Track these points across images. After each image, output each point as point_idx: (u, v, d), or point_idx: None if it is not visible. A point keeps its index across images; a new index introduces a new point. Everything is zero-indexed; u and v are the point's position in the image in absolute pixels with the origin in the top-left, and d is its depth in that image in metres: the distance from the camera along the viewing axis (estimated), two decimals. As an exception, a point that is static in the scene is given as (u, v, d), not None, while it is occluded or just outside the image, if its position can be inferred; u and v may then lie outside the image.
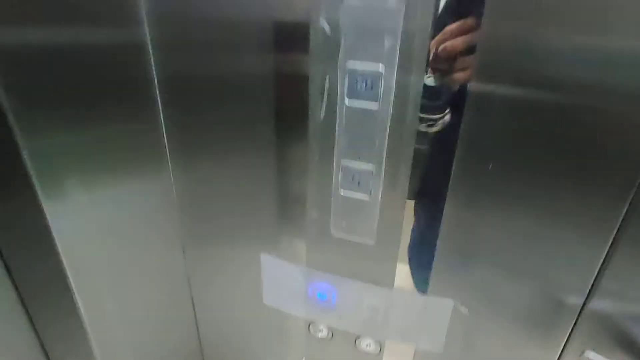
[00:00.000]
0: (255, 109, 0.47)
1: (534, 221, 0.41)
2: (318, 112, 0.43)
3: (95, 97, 0.45)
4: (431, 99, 0.40)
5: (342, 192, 0.46)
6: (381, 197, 0.45)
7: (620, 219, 0.38)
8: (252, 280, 0.58)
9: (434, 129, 0.42)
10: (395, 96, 0.39)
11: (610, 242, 0.39)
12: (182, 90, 0.48)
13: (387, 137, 0.41)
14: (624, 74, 0.33)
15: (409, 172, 0.43)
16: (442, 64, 0.38)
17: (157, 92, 0.48)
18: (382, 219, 0.46)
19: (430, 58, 0.38)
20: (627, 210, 0.37)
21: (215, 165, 0.53)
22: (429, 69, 0.38)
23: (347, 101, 0.41)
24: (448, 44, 0.37)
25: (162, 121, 0.50)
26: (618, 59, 0.33)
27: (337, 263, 0.51)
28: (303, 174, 0.47)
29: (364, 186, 0.45)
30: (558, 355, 0.46)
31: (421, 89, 0.38)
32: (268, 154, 0.49)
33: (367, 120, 0.41)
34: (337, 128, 0.43)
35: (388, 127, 0.41)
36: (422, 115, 0.40)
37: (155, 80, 0.47)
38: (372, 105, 0.40)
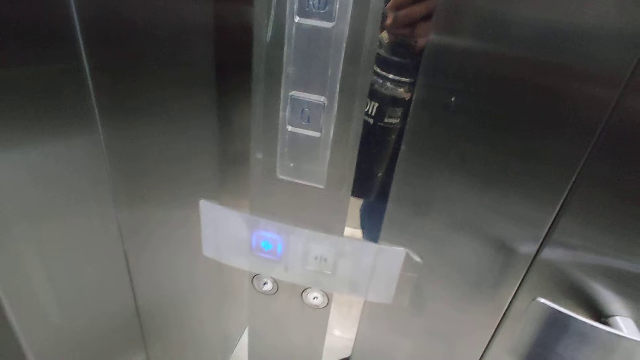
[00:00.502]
0: (192, 33, 0.41)
1: (489, 171, 0.39)
2: (263, 33, 0.37)
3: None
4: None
5: (289, 128, 0.41)
6: (333, 135, 0.40)
7: (577, 170, 0.36)
8: (191, 233, 0.53)
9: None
10: (352, 13, 0.34)
11: (566, 192, 0.37)
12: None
13: (341, 63, 0.36)
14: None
15: (365, 106, 0.39)
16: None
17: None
18: (333, 160, 0.42)
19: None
20: (584, 162, 0.36)
21: (146, 102, 0.46)
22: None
23: (297, 19, 0.36)
24: None
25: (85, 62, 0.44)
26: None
27: (283, 209, 0.47)
28: (246, 107, 0.42)
29: (314, 122, 0.40)
30: (508, 303, 0.45)
31: (382, 4, 0.34)
32: (206, 86, 0.43)
33: (320, 42, 0.36)
34: (285, 51, 0.37)
35: (343, 51, 0.36)
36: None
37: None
38: (325, 24, 0.35)
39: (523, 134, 0.36)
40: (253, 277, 0.54)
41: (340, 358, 0.59)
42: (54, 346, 0.59)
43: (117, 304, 0.64)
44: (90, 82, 0.46)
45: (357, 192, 0.44)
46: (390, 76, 0.45)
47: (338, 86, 0.38)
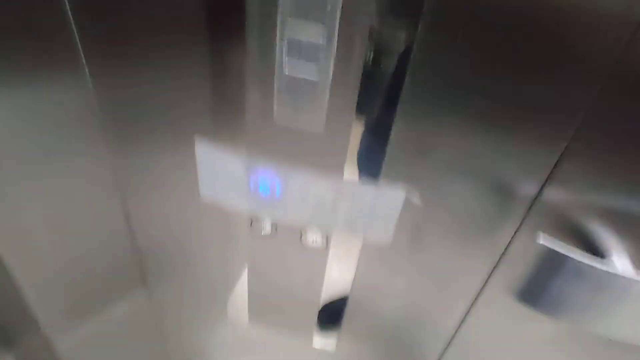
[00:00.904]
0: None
1: (491, 113, 0.37)
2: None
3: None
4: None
5: (287, 71, 0.39)
6: (332, 78, 0.39)
7: (580, 117, 0.35)
8: (188, 174, 0.52)
9: None
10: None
11: (569, 134, 0.36)
12: None
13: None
14: None
15: (365, 48, 0.37)
16: None
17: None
18: (332, 104, 0.40)
19: None
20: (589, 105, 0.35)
21: (139, 43, 0.43)
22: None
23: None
24: None
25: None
26: None
27: (281, 153, 0.46)
28: (241, 51, 0.40)
29: (311, 65, 0.38)
30: (507, 243, 0.45)
31: None
32: (200, 26, 0.40)
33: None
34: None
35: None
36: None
37: None
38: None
39: (527, 75, 0.35)
40: (252, 221, 0.54)
41: (339, 297, 0.60)
42: (53, 287, 0.60)
43: (116, 245, 0.65)
44: (73, 24, 0.43)
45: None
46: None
47: (337, 23, 0.35)
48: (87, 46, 0.44)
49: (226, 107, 0.46)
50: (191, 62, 0.43)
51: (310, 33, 0.37)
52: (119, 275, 0.68)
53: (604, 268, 0.37)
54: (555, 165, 0.39)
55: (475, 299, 0.51)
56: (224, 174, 0.50)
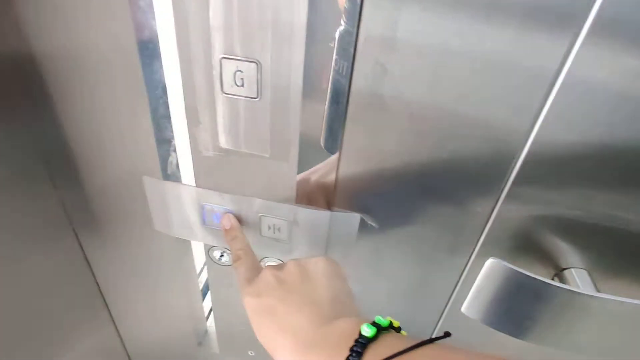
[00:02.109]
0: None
1: (439, 131, 0.36)
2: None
3: None
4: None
5: (224, 94, 0.38)
6: (271, 99, 0.37)
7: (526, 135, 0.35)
8: (141, 209, 0.50)
9: None
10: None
11: (520, 150, 0.36)
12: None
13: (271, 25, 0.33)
14: None
15: (302, 65, 0.35)
16: None
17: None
18: (274, 124, 0.39)
19: None
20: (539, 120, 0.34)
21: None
22: None
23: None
24: None
25: None
26: None
27: (230, 180, 0.44)
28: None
29: (249, 85, 0.37)
30: (466, 262, 0.44)
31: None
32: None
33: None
34: (210, 10, 0.33)
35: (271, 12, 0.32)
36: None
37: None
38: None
39: (470, 90, 0.34)
40: (209, 249, 0.53)
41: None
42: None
43: (78, 289, 0.63)
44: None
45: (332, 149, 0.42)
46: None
47: (270, 46, 0.34)
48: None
49: (167, 141, 0.45)
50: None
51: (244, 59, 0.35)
52: (84, 312, 0.66)
53: (559, 285, 0.36)
54: (507, 180, 0.38)
55: (439, 318, 0.50)
56: (174, 206, 0.48)
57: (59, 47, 0.39)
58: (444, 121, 0.36)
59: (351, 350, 0.27)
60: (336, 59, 0.36)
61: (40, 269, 0.55)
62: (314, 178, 0.43)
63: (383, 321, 0.29)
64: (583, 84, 0.31)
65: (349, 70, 0.35)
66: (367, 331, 0.28)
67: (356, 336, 0.28)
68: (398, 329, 0.30)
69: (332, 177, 0.42)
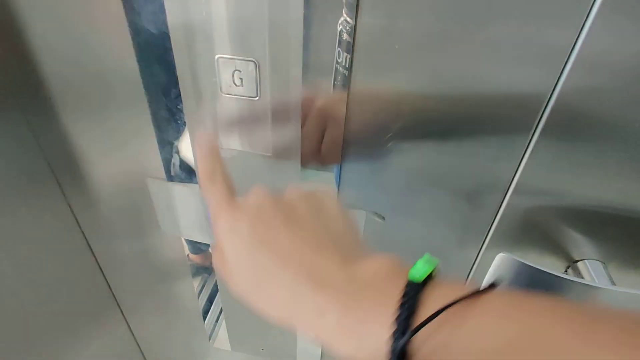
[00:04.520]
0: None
1: (445, 122, 0.35)
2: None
3: None
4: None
5: (223, 93, 0.37)
6: (271, 97, 0.37)
7: (536, 121, 0.33)
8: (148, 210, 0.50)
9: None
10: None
11: (529, 138, 0.34)
12: None
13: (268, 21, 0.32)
14: None
15: (300, 63, 0.35)
16: None
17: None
18: (276, 124, 0.38)
19: None
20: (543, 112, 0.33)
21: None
22: None
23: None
24: None
25: None
26: None
27: (235, 180, 0.44)
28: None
29: (248, 84, 0.36)
30: (476, 256, 0.43)
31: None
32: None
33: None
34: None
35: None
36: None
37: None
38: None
39: (480, 79, 0.33)
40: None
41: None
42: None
43: (89, 287, 0.63)
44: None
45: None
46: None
47: (268, 44, 0.33)
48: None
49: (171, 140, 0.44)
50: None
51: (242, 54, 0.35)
52: (96, 311, 0.66)
53: (571, 278, 0.35)
54: (517, 169, 0.37)
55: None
56: (180, 207, 0.48)
57: (61, 50, 0.39)
58: (449, 111, 0.35)
59: (403, 296, 0.22)
60: (339, 52, 0.35)
61: (51, 271, 0.56)
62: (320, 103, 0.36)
63: (431, 261, 0.24)
64: (597, 61, 0.29)
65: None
66: (418, 274, 0.22)
67: (402, 279, 0.23)
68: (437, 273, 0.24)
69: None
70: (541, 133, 0.34)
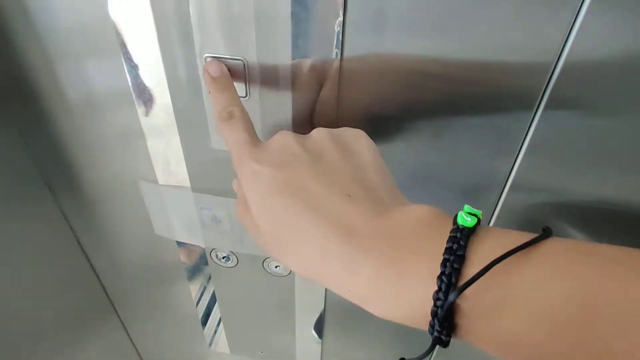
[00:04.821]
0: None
1: (441, 118, 0.35)
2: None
3: None
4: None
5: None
6: (260, 96, 0.36)
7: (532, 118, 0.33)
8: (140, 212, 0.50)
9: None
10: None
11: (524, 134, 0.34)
12: None
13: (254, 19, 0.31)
14: None
15: (289, 62, 0.34)
16: None
17: None
18: (266, 122, 0.37)
19: None
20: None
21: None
22: None
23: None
24: None
25: None
26: None
27: (225, 181, 0.43)
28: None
29: (237, 84, 0.35)
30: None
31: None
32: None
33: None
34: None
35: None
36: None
37: None
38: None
39: (476, 71, 0.32)
40: (211, 251, 0.52)
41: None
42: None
43: (85, 292, 0.62)
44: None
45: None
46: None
47: (256, 42, 0.33)
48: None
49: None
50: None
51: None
52: (88, 307, 0.66)
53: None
54: (512, 168, 0.36)
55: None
56: (172, 210, 0.47)
57: (50, 54, 0.38)
58: (442, 110, 0.34)
59: (450, 242, 0.19)
60: (336, 53, 0.34)
61: (46, 275, 0.55)
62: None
63: (476, 210, 0.21)
64: (593, 55, 0.29)
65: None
66: (467, 220, 0.19)
67: (448, 225, 0.20)
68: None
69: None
70: (537, 129, 0.33)
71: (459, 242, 0.19)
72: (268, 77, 0.35)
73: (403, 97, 0.34)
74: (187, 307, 0.64)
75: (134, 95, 0.39)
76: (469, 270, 0.18)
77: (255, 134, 0.28)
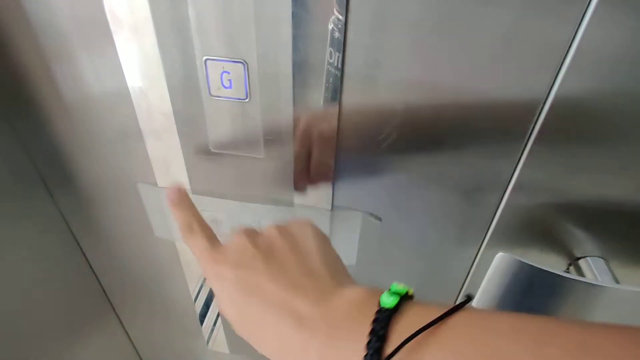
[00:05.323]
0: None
1: (442, 121, 0.34)
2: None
3: None
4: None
5: (212, 96, 0.36)
6: (261, 98, 0.35)
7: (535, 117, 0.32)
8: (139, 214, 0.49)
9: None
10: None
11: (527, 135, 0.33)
12: None
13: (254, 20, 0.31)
14: None
15: (289, 63, 0.33)
16: None
17: None
18: (267, 124, 0.37)
19: None
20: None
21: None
22: None
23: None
24: None
25: None
26: None
27: (224, 184, 0.43)
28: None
29: (237, 86, 0.35)
30: (474, 255, 0.43)
31: None
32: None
33: (223, -7, 0.30)
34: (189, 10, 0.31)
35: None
36: None
37: None
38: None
39: (473, 70, 0.31)
40: (211, 254, 0.51)
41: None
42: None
43: (83, 292, 0.62)
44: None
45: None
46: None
47: (256, 43, 0.32)
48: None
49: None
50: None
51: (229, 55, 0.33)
52: (86, 307, 0.65)
53: (572, 277, 0.34)
54: (515, 167, 0.36)
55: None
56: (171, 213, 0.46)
57: (48, 54, 0.38)
58: (447, 106, 0.34)
59: (374, 323, 0.22)
60: (330, 52, 0.33)
61: (44, 276, 0.55)
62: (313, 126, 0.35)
63: (401, 289, 0.24)
64: (596, 57, 0.28)
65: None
66: (388, 301, 0.23)
67: (374, 307, 0.23)
68: (411, 297, 0.25)
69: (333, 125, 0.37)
70: (540, 129, 0.33)
71: (381, 323, 0.22)
72: (268, 79, 0.34)
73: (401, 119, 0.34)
74: (185, 306, 0.64)
75: (132, 97, 0.38)
76: (391, 346, 0.21)
77: (216, 239, 0.32)
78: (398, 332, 0.21)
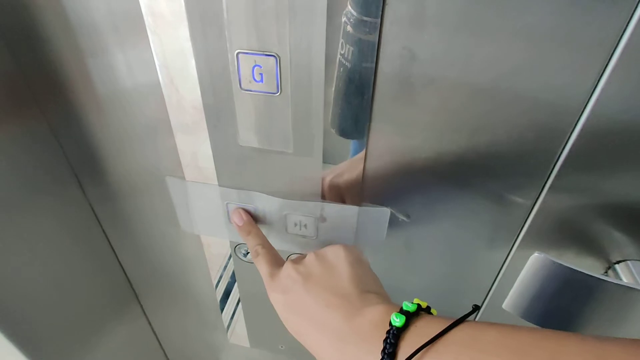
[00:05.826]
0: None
1: (478, 118, 0.33)
2: (193, -21, 0.31)
3: None
4: None
5: (243, 89, 0.36)
6: (292, 92, 0.35)
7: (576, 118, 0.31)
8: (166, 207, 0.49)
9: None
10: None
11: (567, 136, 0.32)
12: None
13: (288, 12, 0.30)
14: None
15: (323, 58, 0.33)
16: None
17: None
18: (297, 119, 0.37)
19: None
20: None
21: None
22: None
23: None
24: None
25: None
26: None
27: (252, 177, 0.42)
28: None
29: (268, 80, 0.34)
30: (506, 256, 0.41)
31: None
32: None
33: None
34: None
35: (287, -7, 0.29)
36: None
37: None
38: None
39: (511, 69, 0.30)
40: (235, 247, 0.51)
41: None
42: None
43: (110, 283, 0.63)
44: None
45: (349, 134, 0.39)
46: (365, 18, 0.38)
47: (289, 37, 0.32)
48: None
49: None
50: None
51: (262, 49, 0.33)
52: (111, 296, 0.66)
53: (611, 280, 0.33)
54: (553, 168, 0.35)
55: (476, 315, 0.47)
56: (199, 205, 0.47)
57: (81, 48, 0.38)
58: (482, 106, 0.33)
59: (385, 342, 0.26)
60: (342, 43, 0.33)
61: (73, 266, 0.56)
62: (339, 179, 0.41)
63: (410, 307, 0.28)
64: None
65: (354, 54, 0.32)
66: (397, 321, 0.27)
67: (387, 326, 0.27)
68: (427, 309, 0.30)
69: (358, 174, 0.40)
70: (581, 129, 0.32)
71: (391, 341, 0.26)
72: (301, 73, 0.34)
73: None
74: (208, 299, 0.64)
75: (163, 91, 0.38)
76: None
77: (276, 262, 0.39)
78: (404, 351, 0.26)
